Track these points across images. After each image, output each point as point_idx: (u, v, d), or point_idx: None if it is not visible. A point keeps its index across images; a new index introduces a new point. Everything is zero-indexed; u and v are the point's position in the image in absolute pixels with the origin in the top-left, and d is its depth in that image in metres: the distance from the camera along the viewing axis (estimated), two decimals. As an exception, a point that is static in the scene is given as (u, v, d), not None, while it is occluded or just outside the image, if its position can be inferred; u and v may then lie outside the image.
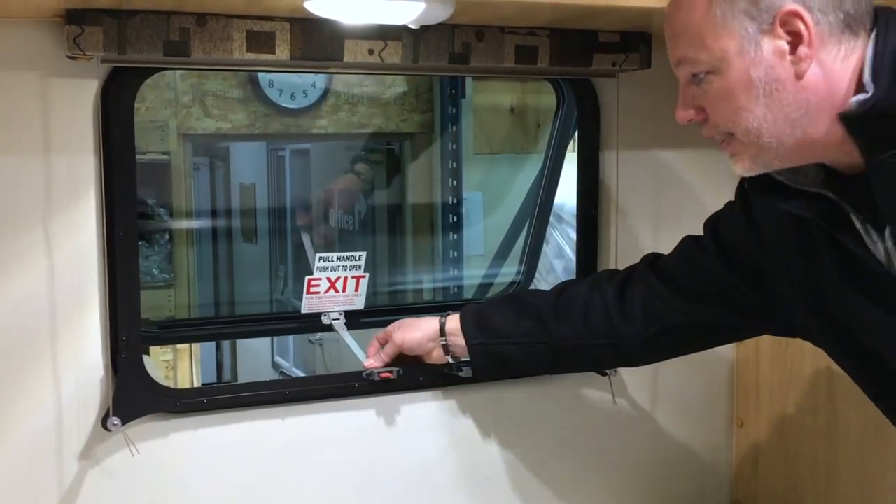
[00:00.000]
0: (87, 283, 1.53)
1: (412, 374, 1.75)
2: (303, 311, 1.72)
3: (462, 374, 1.75)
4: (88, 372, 1.54)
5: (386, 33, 1.54)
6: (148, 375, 1.58)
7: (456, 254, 3.58)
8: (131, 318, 1.55)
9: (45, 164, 1.48)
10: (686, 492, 2.00)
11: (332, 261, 1.71)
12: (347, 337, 1.73)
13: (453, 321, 1.64)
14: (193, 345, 3.55)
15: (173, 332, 1.87)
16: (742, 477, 2.01)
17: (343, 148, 4.12)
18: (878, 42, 1.09)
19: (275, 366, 5.08)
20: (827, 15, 1.08)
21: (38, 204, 1.49)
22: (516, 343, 1.57)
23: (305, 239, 1.90)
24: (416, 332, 1.65)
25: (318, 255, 1.71)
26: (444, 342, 1.64)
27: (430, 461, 1.79)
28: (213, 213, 4.77)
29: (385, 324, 1.75)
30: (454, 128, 3.57)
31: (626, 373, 1.89)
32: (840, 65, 1.09)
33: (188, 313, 3.67)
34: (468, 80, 3.45)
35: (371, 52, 1.54)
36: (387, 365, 1.67)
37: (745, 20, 1.09)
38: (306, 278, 1.70)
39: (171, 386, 2.98)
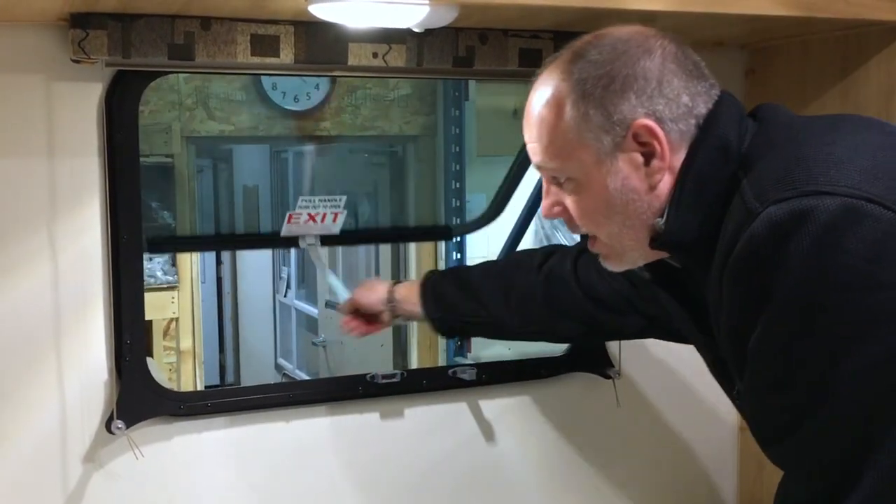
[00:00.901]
0: (91, 287, 1.53)
1: (416, 378, 1.75)
2: (282, 235, 1.78)
3: (466, 378, 1.75)
4: (92, 375, 1.54)
5: (390, 37, 1.54)
6: (152, 378, 1.58)
7: (459, 255, 3.58)
8: (135, 321, 1.55)
9: (50, 168, 1.49)
10: (691, 496, 1.99)
11: (314, 202, 1.78)
12: (333, 279, 1.84)
13: (405, 288, 1.68)
14: (197, 347, 3.56)
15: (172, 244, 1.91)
16: (747, 481, 2.01)
17: (346, 150, 4.12)
18: (686, 160, 1.10)
19: (278, 368, 5.08)
20: (678, 123, 1.09)
21: (42, 207, 1.49)
22: (472, 321, 1.64)
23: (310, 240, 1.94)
24: (371, 295, 1.70)
25: (301, 198, 1.77)
26: (392, 306, 1.68)
27: (433, 464, 1.79)
28: (217, 216, 4.78)
29: (355, 242, 1.83)
30: (457, 130, 3.58)
31: (630, 376, 1.89)
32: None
33: (191, 316, 3.67)
34: (471, 83, 3.45)
35: (375, 55, 1.54)
36: (347, 319, 1.73)
37: (599, 133, 1.09)
38: (287, 213, 1.76)
39: (175, 388, 2.98)
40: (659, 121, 1.09)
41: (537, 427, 1.87)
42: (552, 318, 1.59)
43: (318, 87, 3.56)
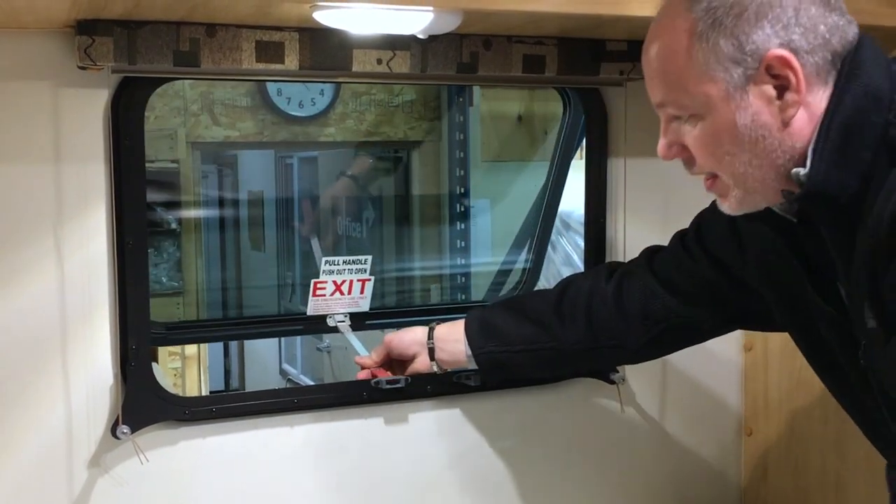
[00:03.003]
0: (97, 292, 1.53)
1: (420, 383, 1.75)
2: (308, 314, 1.73)
3: (470, 383, 1.75)
4: (98, 380, 1.55)
5: (394, 43, 1.54)
6: (157, 384, 1.58)
7: (464, 261, 3.59)
8: (141, 326, 1.55)
9: (56, 173, 1.49)
10: (695, 501, 1.99)
11: (338, 264, 1.72)
12: (353, 338, 1.74)
13: (445, 327, 1.59)
14: (202, 352, 3.56)
15: (181, 333, 1.88)
16: (751, 487, 2.01)
17: (351, 156, 4.13)
18: (829, 106, 1.04)
19: (282, 373, 5.08)
20: (814, 55, 1.04)
21: (48, 212, 1.50)
22: (523, 350, 1.54)
23: (314, 243, 1.90)
24: (405, 335, 1.61)
25: (323, 259, 1.71)
26: (431, 345, 1.58)
27: (437, 469, 1.79)
28: (222, 221, 4.79)
29: (390, 326, 1.75)
30: (462, 136, 3.58)
31: (634, 381, 1.89)
32: (824, 106, 1.05)
33: (196, 319, 3.68)
34: (476, 89, 3.46)
35: (379, 61, 1.55)
36: (377, 367, 1.63)
37: (729, 65, 1.04)
38: (312, 281, 1.70)
39: (180, 393, 2.98)
40: (794, 52, 1.02)
41: (542, 432, 1.86)
42: (627, 322, 1.48)
43: (323, 94, 3.58)
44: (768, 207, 1.14)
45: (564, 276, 2.82)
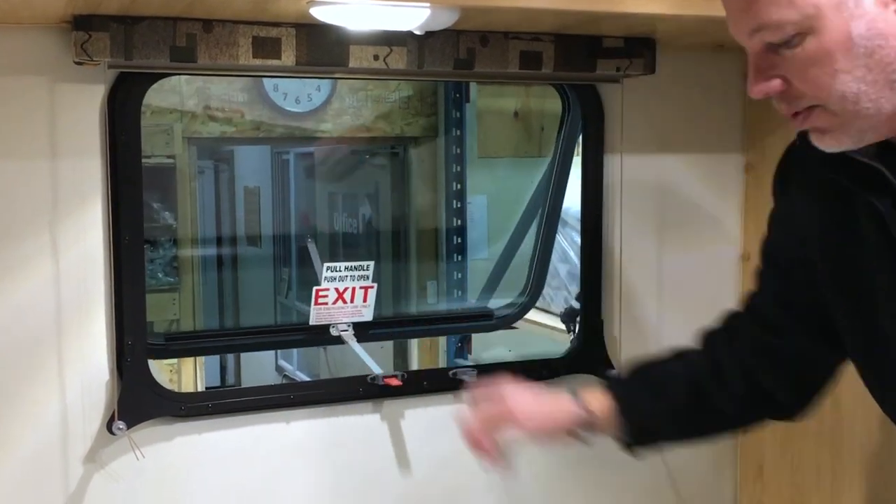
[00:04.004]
0: (93, 288, 1.53)
1: (416, 379, 1.76)
2: (311, 323, 1.71)
3: (466, 378, 1.75)
4: (94, 376, 1.55)
5: (391, 39, 1.54)
6: (153, 379, 1.58)
7: (460, 258, 3.59)
8: (137, 322, 1.55)
9: (52, 169, 1.49)
10: (690, 499, 1.99)
11: (340, 270, 1.70)
12: (358, 348, 1.72)
13: (598, 400, 1.34)
14: (198, 349, 3.55)
15: (180, 344, 1.86)
16: (746, 484, 2.01)
17: (348, 152, 4.12)
18: None
19: (278, 369, 5.08)
20: None
21: (45, 208, 1.50)
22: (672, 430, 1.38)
23: (311, 248, 1.89)
24: (547, 410, 1.33)
25: (325, 265, 1.69)
26: (592, 424, 1.34)
27: (434, 465, 1.79)
28: (218, 216, 4.78)
29: (394, 336, 1.70)
30: (458, 132, 3.58)
31: (630, 378, 1.89)
32: None
33: (192, 318, 3.67)
34: (472, 85, 3.46)
35: (376, 57, 1.55)
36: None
37: None
38: (314, 289, 1.69)
39: (175, 389, 2.98)
40: None
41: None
42: (762, 374, 1.29)
43: (320, 89, 3.57)
44: (851, 165, 1.04)
45: (560, 272, 2.77)
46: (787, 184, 1.24)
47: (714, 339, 1.35)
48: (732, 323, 1.35)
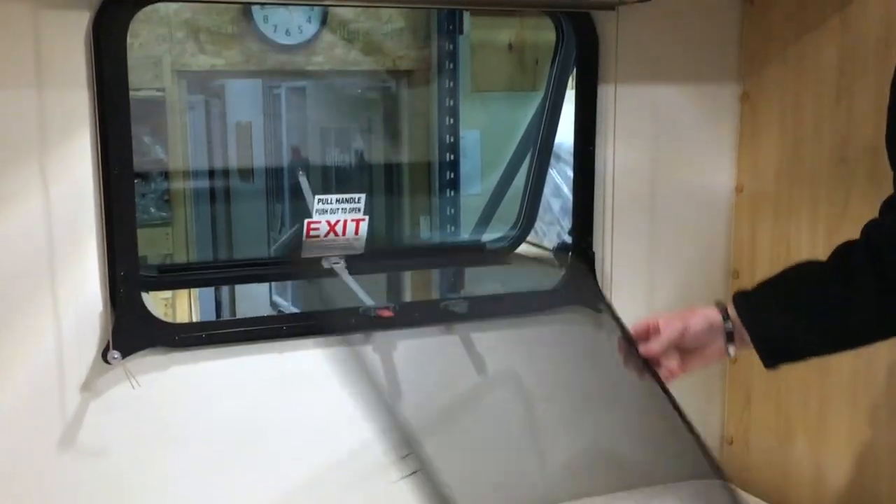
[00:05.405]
0: (84, 219, 1.53)
1: (408, 311, 1.77)
2: (302, 256, 1.71)
3: (458, 310, 1.76)
4: (88, 307, 1.55)
5: (382, -35, 1.51)
6: (147, 310, 1.59)
7: (453, 193, 3.57)
8: (128, 253, 1.55)
9: (39, 99, 1.47)
10: (678, 428, 2.02)
11: (331, 203, 1.69)
12: (350, 281, 1.73)
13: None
14: (192, 285, 3.56)
15: (173, 275, 1.87)
16: (734, 412, 2.04)
17: (340, 85, 4.07)
18: None
19: (273, 305, 5.10)
20: None
21: (32, 139, 1.48)
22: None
23: (303, 181, 1.88)
24: (694, 318, 1.34)
25: (316, 197, 1.68)
26: (730, 328, 1.33)
27: (425, 396, 1.81)
28: (210, 152, 4.74)
29: (384, 269, 1.72)
30: (451, 65, 3.53)
31: (621, 309, 1.90)
32: None
33: (186, 253, 3.67)
34: (466, 17, 3.40)
35: (367, -17, 1.52)
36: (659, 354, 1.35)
37: None
38: (305, 221, 1.68)
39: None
40: None
41: (528, 360, 1.89)
42: None
43: (311, 21, 3.50)
44: None
45: (552, 207, 2.77)
46: None
47: (847, 247, 1.29)
48: (868, 228, 1.29)
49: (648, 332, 1.36)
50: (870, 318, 1.28)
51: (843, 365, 1.77)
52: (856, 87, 1.69)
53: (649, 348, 1.34)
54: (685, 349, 1.34)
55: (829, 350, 1.37)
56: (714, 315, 1.33)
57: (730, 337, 1.33)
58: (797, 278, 1.34)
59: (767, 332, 1.31)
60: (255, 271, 1.95)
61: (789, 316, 1.30)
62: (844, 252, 1.30)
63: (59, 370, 1.54)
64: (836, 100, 1.72)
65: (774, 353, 1.32)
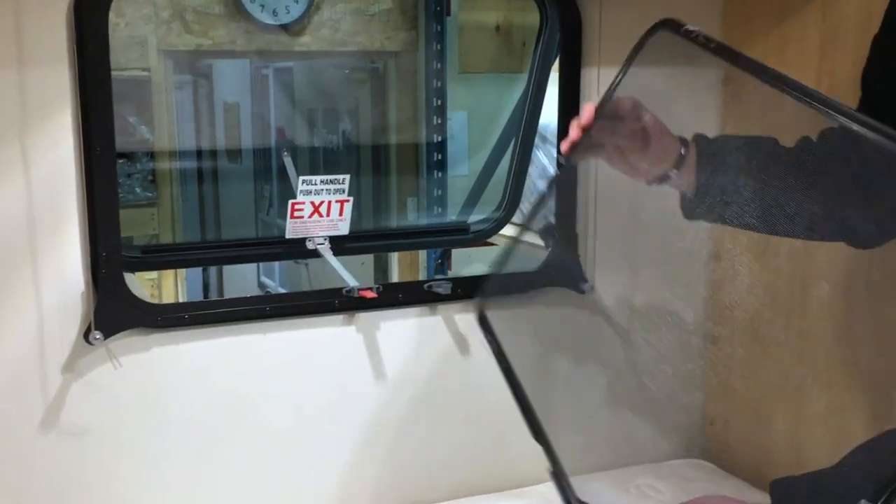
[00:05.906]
0: (66, 199, 1.52)
1: (392, 291, 1.77)
2: (287, 236, 1.73)
3: (441, 291, 1.77)
4: (70, 287, 1.55)
5: (365, -55, 1.50)
6: (129, 290, 1.59)
7: (440, 174, 3.58)
8: (111, 233, 1.55)
9: (20, 78, 1.46)
10: (658, 409, 2.04)
11: (316, 184, 1.70)
12: (334, 261, 1.73)
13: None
14: (178, 264, 3.55)
15: (156, 256, 1.87)
16: (713, 395, 2.06)
17: (327, 66, 4.06)
18: None
19: (261, 286, 5.10)
20: None
21: (13, 118, 1.47)
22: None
23: (287, 161, 1.88)
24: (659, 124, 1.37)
25: (301, 178, 1.69)
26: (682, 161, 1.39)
27: (408, 377, 1.83)
28: (197, 132, 4.72)
29: (371, 250, 1.73)
30: (439, 46, 3.52)
31: (602, 289, 1.92)
32: None
33: (172, 234, 3.66)
34: (454, -3, 3.39)
35: (349, -37, 1.51)
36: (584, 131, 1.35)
37: None
38: (290, 202, 1.69)
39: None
40: None
41: (512, 341, 1.89)
42: None
43: (298, 1, 3.49)
44: None
45: (539, 188, 2.80)
46: None
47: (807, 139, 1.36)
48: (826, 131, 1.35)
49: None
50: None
51: (820, 344, 1.79)
52: (836, 69, 1.70)
53: (585, 107, 1.34)
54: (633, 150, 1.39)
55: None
56: (675, 143, 1.39)
57: (678, 162, 1.38)
58: (759, 141, 1.41)
59: (711, 149, 1.38)
60: (240, 252, 1.96)
61: (741, 153, 1.38)
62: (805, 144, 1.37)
63: (40, 351, 1.54)
64: (817, 82, 1.73)
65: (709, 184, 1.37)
